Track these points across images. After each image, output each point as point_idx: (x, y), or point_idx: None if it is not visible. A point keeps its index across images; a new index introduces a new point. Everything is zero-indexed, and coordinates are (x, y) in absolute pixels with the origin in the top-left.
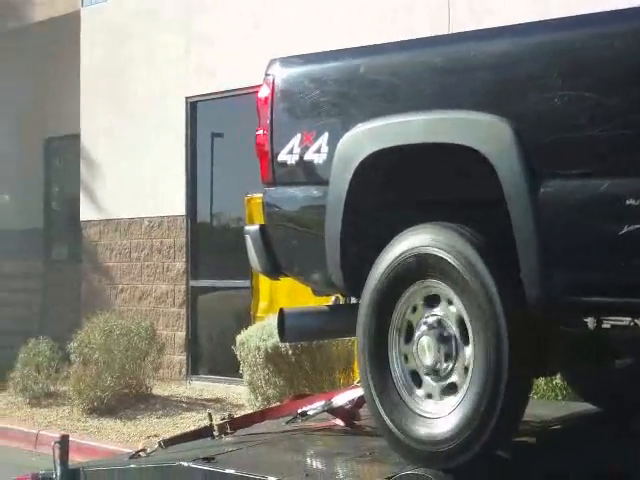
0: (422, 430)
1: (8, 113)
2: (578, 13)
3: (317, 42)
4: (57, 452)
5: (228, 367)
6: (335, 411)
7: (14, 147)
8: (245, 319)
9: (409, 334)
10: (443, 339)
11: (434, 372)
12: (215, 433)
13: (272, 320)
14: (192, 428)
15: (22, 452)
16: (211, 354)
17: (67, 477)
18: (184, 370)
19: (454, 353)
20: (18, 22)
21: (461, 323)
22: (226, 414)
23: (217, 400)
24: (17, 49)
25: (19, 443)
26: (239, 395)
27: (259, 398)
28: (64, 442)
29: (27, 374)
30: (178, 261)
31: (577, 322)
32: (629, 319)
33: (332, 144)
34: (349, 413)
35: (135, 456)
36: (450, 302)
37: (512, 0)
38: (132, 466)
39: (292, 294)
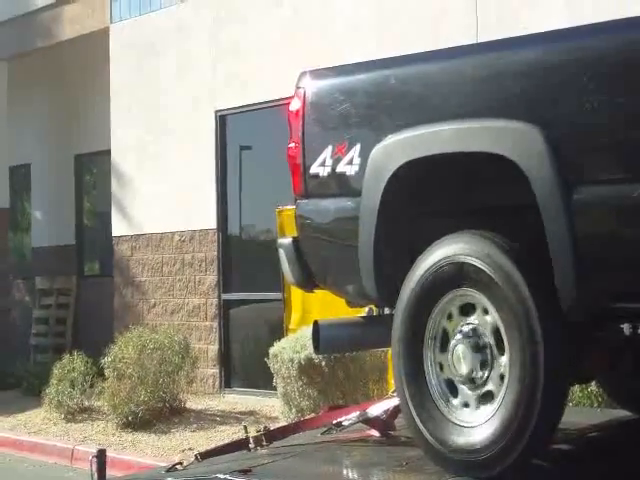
0: (458, 439)
1: (39, 130)
2: (611, 19)
3: (347, 53)
4: (94, 467)
5: (261, 380)
6: (370, 421)
7: (45, 164)
8: (278, 331)
9: (444, 343)
10: (478, 348)
11: (470, 381)
12: (251, 445)
13: (305, 332)
14: (226, 441)
15: (58, 467)
16: (244, 367)
17: None
18: (217, 383)
19: (490, 361)
20: (48, 40)
21: (496, 331)
22: (261, 427)
23: (251, 413)
24: (47, 67)
25: (55, 458)
26: (273, 407)
27: (293, 410)
28: (101, 457)
29: (62, 390)
30: (210, 275)
31: (613, 328)
32: None
33: (364, 155)
34: (384, 423)
35: (172, 469)
36: (485, 310)
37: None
38: (169, 479)
39: (324, 305)
